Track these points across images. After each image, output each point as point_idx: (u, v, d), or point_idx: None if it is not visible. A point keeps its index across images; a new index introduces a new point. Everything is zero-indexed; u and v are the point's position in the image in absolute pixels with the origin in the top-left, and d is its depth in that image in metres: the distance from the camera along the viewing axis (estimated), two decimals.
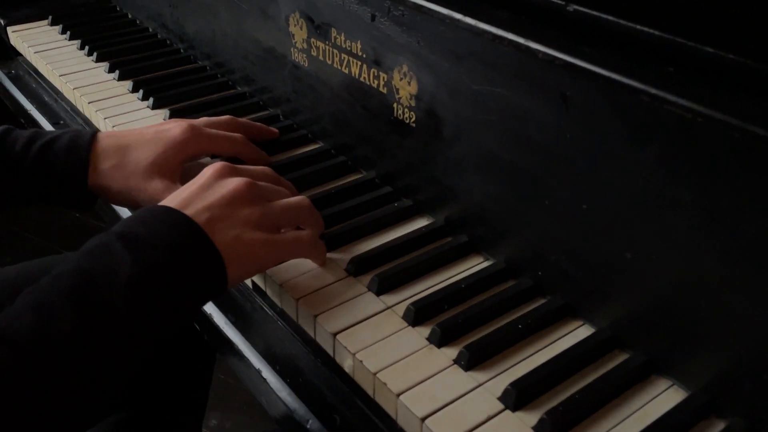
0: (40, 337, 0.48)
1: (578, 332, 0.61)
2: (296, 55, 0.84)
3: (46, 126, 1.01)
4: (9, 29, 1.16)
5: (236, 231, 0.59)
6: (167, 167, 0.72)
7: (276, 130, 0.86)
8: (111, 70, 1.02)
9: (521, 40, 0.55)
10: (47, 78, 1.07)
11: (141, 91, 0.96)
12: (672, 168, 0.50)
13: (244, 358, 0.67)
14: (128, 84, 0.99)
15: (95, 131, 0.74)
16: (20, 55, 1.17)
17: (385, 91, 0.73)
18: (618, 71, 0.50)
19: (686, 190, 0.50)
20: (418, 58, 0.68)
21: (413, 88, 0.69)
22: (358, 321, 0.61)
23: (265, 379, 0.64)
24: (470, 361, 0.57)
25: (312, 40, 0.81)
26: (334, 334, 0.60)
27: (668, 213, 0.51)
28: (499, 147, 0.63)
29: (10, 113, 1.11)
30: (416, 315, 0.61)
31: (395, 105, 0.72)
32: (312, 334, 0.63)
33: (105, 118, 0.91)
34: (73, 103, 1.00)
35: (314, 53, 0.81)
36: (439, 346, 0.59)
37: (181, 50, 1.09)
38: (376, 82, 0.74)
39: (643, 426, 0.52)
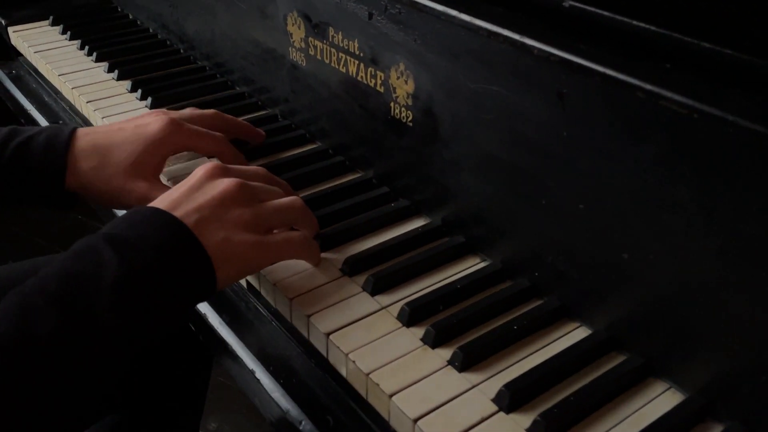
0: (24, 339, 0.47)
1: (575, 334, 0.60)
2: (294, 54, 0.84)
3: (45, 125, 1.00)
4: (10, 29, 1.16)
5: (226, 232, 0.58)
6: (149, 166, 0.70)
7: (263, 133, 0.84)
8: (110, 70, 1.02)
9: (516, 37, 0.55)
10: (47, 78, 1.07)
11: (140, 91, 0.95)
12: (669, 166, 0.49)
13: (238, 359, 0.66)
14: (127, 84, 0.98)
15: (74, 128, 0.72)
16: (21, 55, 1.17)
17: (382, 90, 0.72)
18: (613, 67, 0.49)
19: (683, 188, 0.49)
20: (415, 57, 0.67)
21: (410, 87, 0.69)
22: (352, 321, 0.61)
23: (258, 380, 0.64)
24: (464, 362, 0.56)
25: (310, 39, 0.80)
26: (328, 334, 0.59)
27: (665, 212, 0.51)
28: (496, 146, 0.62)
29: (10, 113, 1.11)
30: (411, 315, 0.60)
31: (392, 104, 0.72)
32: (306, 335, 0.62)
33: (103, 118, 0.91)
34: (72, 102, 1.00)
35: (312, 52, 0.81)
36: (434, 346, 0.58)
37: (181, 50, 1.09)
38: (373, 81, 0.73)
39: (639, 429, 0.52)
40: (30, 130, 0.72)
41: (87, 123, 0.97)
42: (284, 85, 0.88)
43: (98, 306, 0.50)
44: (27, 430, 0.48)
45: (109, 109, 0.92)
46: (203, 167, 0.63)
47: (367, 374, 0.56)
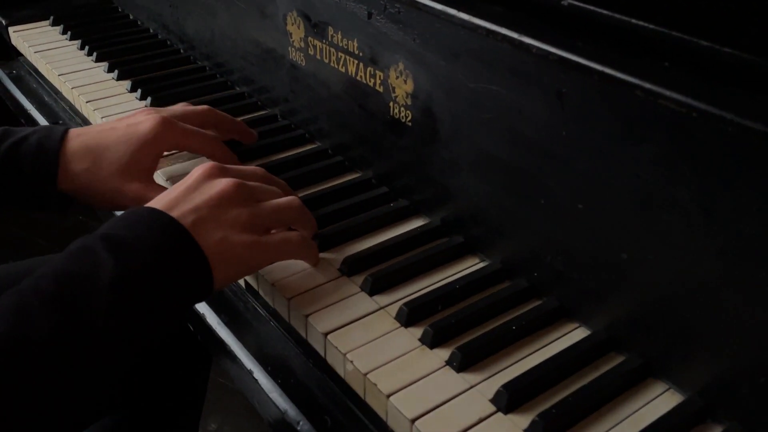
0: (19, 340, 0.47)
1: (574, 334, 0.60)
2: (294, 54, 0.84)
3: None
4: (10, 29, 1.16)
5: (223, 233, 0.57)
6: (142, 166, 0.70)
7: (255, 134, 0.84)
8: (110, 70, 1.02)
9: (515, 35, 0.55)
10: (47, 78, 1.07)
11: (139, 91, 0.95)
12: (668, 165, 0.49)
13: (236, 359, 0.66)
14: (127, 84, 0.98)
15: (66, 129, 0.72)
16: (22, 55, 1.17)
17: (381, 89, 0.72)
18: (612, 66, 0.49)
19: (682, 187, 0.48)
20: (414, 56, 0.67)
21: (409, 87, 0.69)
22: (350, 321, 0.60)
23: (256, 380, 0.63)
24: (463, 362, 0.56)
25: (309, 39, 0.80)
26: (326, 334, 0.59)
27: (664, 212, 0.50)
28: (495, 146, 0.62)
29: (11, 113, 1.11)
30: (409, 315, 0.60)
31: (391, 104, 0.71)
32: (304, 335, 0.62)
33: (102, 117, 0.91)
34: (72, 102, 1.00)
35: (311, 52, 0.80)
36: (432, 347, 0.58)
37: (181, 50, 1.09)
38: (372, 80, 0.73)
39: (637, 430, 0.51)
40: (22, 131, 0.71)
41: (86, 123, 0.97)
42: (284, 85, 0.88)
43: (94, 307, 0.50)
44: (24, 430, 0.48)
45: (108, 108, 0.92)
46: (201, 167, 0.62)
47: (365, 374, 0.55)
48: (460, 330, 0.59)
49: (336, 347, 0.58)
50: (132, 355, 0.53)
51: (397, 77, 0.70)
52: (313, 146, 0.86)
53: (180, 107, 0.78)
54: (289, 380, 0.62)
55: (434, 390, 0.54)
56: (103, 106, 0.93)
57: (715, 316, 0.50)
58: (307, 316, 0.61)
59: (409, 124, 0.70)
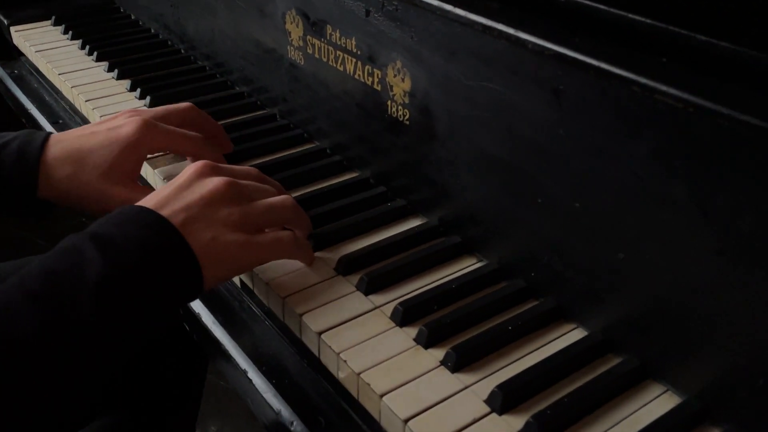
0: (4, 337, 0.46)
1: (570, 335, 0.59)
2: (293, 53, 0.83)
3: (45, 125, 1.00)
4: (12, 29, 1.16)
5: (213, 232, 0.57)
6: (125, 169, 0.69)
7: (231, 145, 0.81)
8: (110, 69, 1.02)
9: (511, 31, 0.54)
10: (47, 77, 1.07)
11: (138, 90, 0.95)
12: (665, 162, 0.48)
13: (231, 359, 0.65)
14: (126, 83, 0.98)
15: (47, 135, 0.71)
16: (23, 55, 1.17)
17: (379, 88, 0.72)
18: (608, 61, 0.48)
19: (679, 184, 0.48)
20: (412, 54, 0.66)
21: (407, 85, 0.68)
22: (345, 321, 0.60)
23: (250, 380, 0.63)
24: (457, 362, 0.55)
25: (308, 37, 0.79)
26: (320, 333, 0.58)
27: (662, 210, 0.50)
28: (492, 144, 0.61)
29: (12, 112, 1.11)
30: (404, 315, 0.59)
31: (389, 102, 0.71)
32: (298, 334, 0.62)
33: (101, 116, 0.90)
34: (72, 101, 1.00)
35: (310, 51, 0.80)
36: (426, 347, 0.57)
37: (182, 50, 1.09)
38: (370, 79, 0.72)
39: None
40: (4, 137, 0.70)
41: (86, 122, 0.96)
42: (283, 84, 0.88)
43: (80, 305, 0.49)
44: (12, 428, 0.47)
45: (107, 108, 0.92)
46: (193, 165, 0.62)
47: (359, 374, 0.55)
48: (455, 330, 0.59)
49: (330, 346, 0.57)
50: (122, 354, 0.52)
51: (394, 75, 0.69)
52: (312, 146, 0.85)
53: (162, 108, 0.76)
54: (283, 380, 0.62)
55: (428, 390, 0.54)
56: (102, 105, 0.92)
57: (713, 316, 0.49)
58: (301, 315, 0.60)
59: (407, 122, 0.70)
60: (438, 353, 0.56)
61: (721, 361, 0.50)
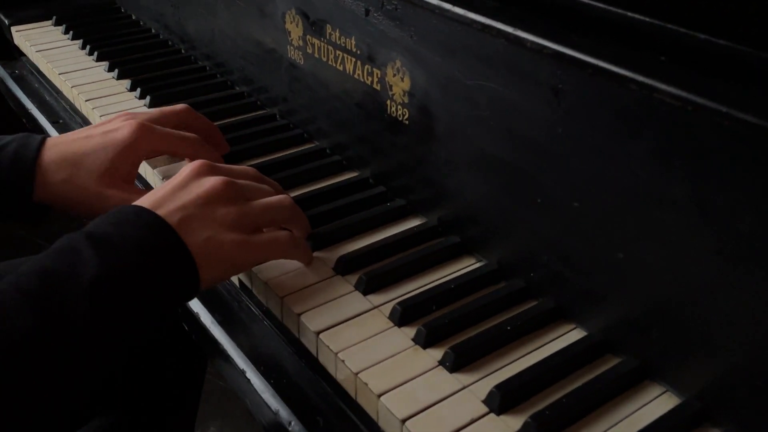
0: None
1: (570, 336, 0.59)
2: (292, 53, 0.83)
3: (46, 124, 1.00)
4: (13, 29, 1.16)
5: (210, 231, 0.56)
6: (121, 173, 0.68)
7: (227, 146, 0.81)
8: (110, 69, 1.02)
9: (509, 29, 0.54)
10: (48, 77, 1.07)
11: (139, 90, 0.95)
12: (664, 161, 0.48)
13: (230, 359, 0.65)
14: (126, 83, 0.98)
15: (43, 138, 0.70)
16: (24, 55, 1.17)
17: (378, 87, 0.71)
18: (606, 59, 0.48)
19: (678, 184, 0.48)
20: (411, 53, 0.66)
21: (406, 84, 0.68)
22: (343, 320, 0.60)
23: (249, 380, 0.63)
24: (456, 362, 0.55)
25: (308, 37, 0.79)
26: (318, 333, 0.58)
27: (661, 209, 0.49)
28: (491, 143, 0.61)
29: (13, 112, 1.11)
30: (402, 315, 0.59)
31: (389, 102, 0.71)
32: (296, 334, 0.61)
33: (101, 116, 0.90)
34: (72, 101, 1.00)
35: (310, 50, 0.80)
36: (425, 346, 0.57)
37: (182, 51, 1.09)
38: (369, 78, 0.72)
39: None
40: (0, 140, 0.70)
41: (86, 121, 0.96)
42: (282, 84, 0.88)
43: (75, 305, 0.49)
44: (7, 427, 0.47)
45: (107, 107, 0.92)
46: (190, 165, 0.61)
47: (356, 374, 0.55)
48: (454, 330, 0.58)
49: (328, 346, 0.57)
50: (117, 354, 0.52)
51: (394, 75, 0.69)
52: (312, 145, 0.85)
53: (157, 111, 0.75)
54: (281, 380, 0.61)
55: (426, 390, 0.53)
56: (102, 105, 0.92)
57: (713, 316, 0.49)
58: (299, 314, 0.60)
59: (406, 122, 0.69)
60: (436, 353, 0.56)
61: (721, 361, 0.49)
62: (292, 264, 0.65)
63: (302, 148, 0.85)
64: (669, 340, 0.52)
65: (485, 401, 0.52)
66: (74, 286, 0.49)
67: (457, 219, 0.68)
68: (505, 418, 0.51)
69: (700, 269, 0.49)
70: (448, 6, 0.59)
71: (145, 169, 0.80)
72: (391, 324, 0.59)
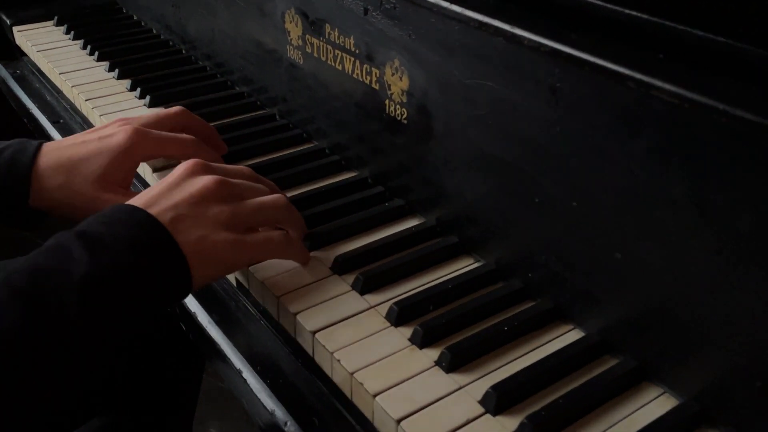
0: None
1: (567, 336, 0.58)
2: (292, 52, 0.83)
3: (46, 125, 1.00)
4: (15, 29, 1.16)
5: (203, 231, 0.56)
6: (117, 178, 0.68)
7: (225, 147, 0.81)
8: (111, 69, 1.02)
9: (507, 27, 0.53)
10: (49, 77, 1.07)
11: (139, 90, 0.95)
12: (662, 159, 0.48)
13: (226, 359, 0.65)
14: (127, 83, 0.98)
15: (39, 144, 0.70)
16: (26, 55, 1.17)
17: (377, 87, 0.71)
18: (604, 57, 0.48)
19: (676, 182, 0.47)
20: (410, 53, 0.66)
21: (405, 84, 0.68)
22: (340, 320, 0.59)
23: (245, 380, 0.62)
24: (452, 362, 0.55)
25: (307, 36, 0.79)
26: (314, 333, 0.58)
27: (659, 209, 0.49)
28: (490, 143, 0.61)
29: (14, 112, 1.11)
30: (399, 315, 0.59)
31: (387, 101, 0.71)
32: (292, 333, 0.61)
33: (101, 116, 0.90)
34: (72, 101, 1.00)
35: (309, 50, 0.80)
36: (421, 347, 0.57)
37: (183, 51, 1.09)
38: (368, 78, 0.72)
39: None
40: None
41: (86, 121, 0.96)
42: (282, 84, 0.87)
43: (65, 303, 0.48)
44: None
45: (107, 107, 0.92)
46: (184, 164, 0.61)
47: (352, 373, 0.54)
48: (450, 330, 0.58)
49: (323, 346, 0.57)
50: (108, 352, 0.52)
51: (392, 74, 0.69)
52: (311, 145, 0.85)
53: (152, 115, 0.75)
54: (277, 380, 0.61)
55: (422, 390, 0.53)
56: (102, 105, 0.92)
57: (712, 317, 0.48)
58: (296, 314, 0.60)
59: (405, 121, 0.69)
60: (433, 353, 0.56)
61: (720, 362, 0.49)
62: (289, 263, 0.65)
63: (301, 147, 0.85)
64: (667, 340, 0.52)
65: (481, 402, 0.52)
66: (65, 284, 0.49)
67: (455, 219, 0.67)
68: (501, 419, 0.51)
69: (699, 269, 0.48)
70: (446, 4, 0.59)
71: (144, 168, 0.80)
72: (388, 324, 0.59)
